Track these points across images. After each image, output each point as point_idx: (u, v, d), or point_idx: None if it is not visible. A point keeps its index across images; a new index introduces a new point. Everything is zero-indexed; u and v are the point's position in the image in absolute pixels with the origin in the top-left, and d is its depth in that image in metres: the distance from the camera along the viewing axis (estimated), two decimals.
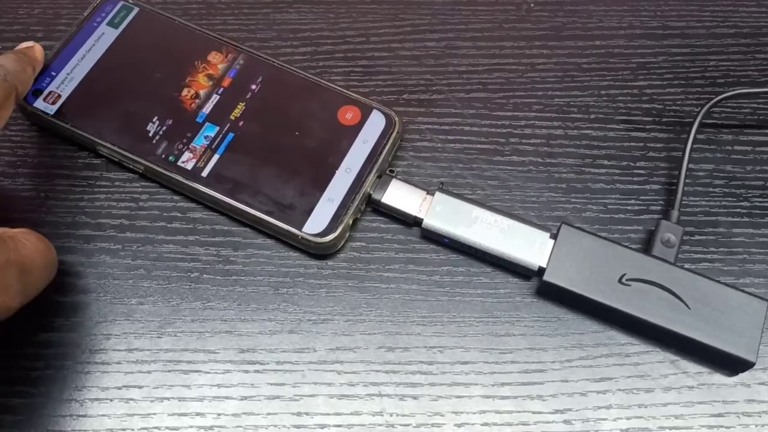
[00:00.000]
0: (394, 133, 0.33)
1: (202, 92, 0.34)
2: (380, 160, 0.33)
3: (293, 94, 0.34)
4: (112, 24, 0.36)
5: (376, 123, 0.34)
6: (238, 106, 0.34)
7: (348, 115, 0.34)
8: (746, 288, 0.31)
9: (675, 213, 0.32)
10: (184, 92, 0.34)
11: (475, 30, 0.38)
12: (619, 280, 0.30)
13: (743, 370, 0.30)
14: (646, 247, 0.32)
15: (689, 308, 0.30)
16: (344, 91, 0.34)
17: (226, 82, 0.35)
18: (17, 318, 0.28)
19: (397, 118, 0.34)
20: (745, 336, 0.29)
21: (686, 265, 0.31)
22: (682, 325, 0.29)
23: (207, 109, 0.34)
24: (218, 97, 0.34)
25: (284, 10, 0.39)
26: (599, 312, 0.31)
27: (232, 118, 0.34)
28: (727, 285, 0.30)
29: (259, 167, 0.33)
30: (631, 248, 0.31)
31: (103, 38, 0.36)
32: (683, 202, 0.33)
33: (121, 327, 0.31)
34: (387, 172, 0.33)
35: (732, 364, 0.30)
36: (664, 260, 0.31)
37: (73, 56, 0.35)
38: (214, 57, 0.35)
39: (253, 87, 0.35)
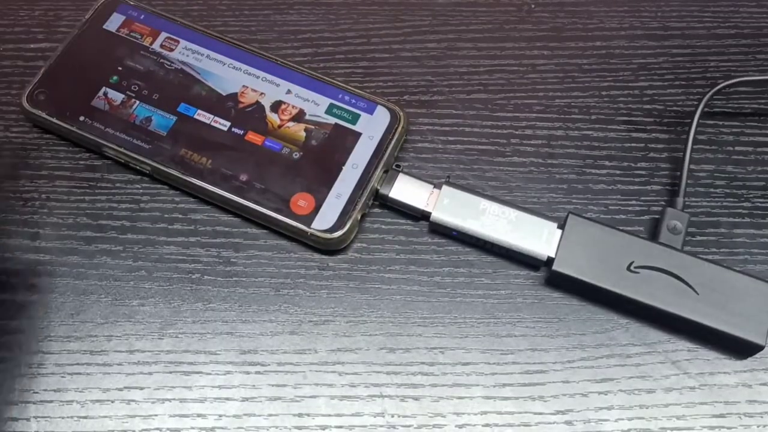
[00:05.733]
0: (399, 128, 0.34)
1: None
2: (386, 155, 0.33)
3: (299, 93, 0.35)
4: (113, 26, 0.36)
5: (381, 119, 0.34)
6: (241, 103, 0.34)
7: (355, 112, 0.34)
8: None
9: (680, 200, 0.32)
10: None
11: (476, 31, 0.38)
12: (628, 268, 0.30)
13: (752, 354, 0.30)
14: (653, 233, 0.32)
15: (698, 293, 0.30)
16: (349, 88, 0.35)
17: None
18: (21, 320, 0.28)
19: (401, 114, 0.34)
20: (754, 320, 0.29)
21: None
22: (690, 311, 0.30)
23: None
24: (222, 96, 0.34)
25: (285, 11, 0.39)
26: (608, 299, 0.31)
27: (235, 113, 0.34)
28: (735, 270, 0.30)
29: (266, 165, 0.33)
30: (638, 236, 0.31)
31: (104, 40, 0.36)
32: (685, 203, 0.33)
33: (122, 328, 0.31)
34: (393, 166, 0.33)
35: (741, 348, 0.30)
36: (672, 247, 0.31)
37: (76, 59, 0.35)
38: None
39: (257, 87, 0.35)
